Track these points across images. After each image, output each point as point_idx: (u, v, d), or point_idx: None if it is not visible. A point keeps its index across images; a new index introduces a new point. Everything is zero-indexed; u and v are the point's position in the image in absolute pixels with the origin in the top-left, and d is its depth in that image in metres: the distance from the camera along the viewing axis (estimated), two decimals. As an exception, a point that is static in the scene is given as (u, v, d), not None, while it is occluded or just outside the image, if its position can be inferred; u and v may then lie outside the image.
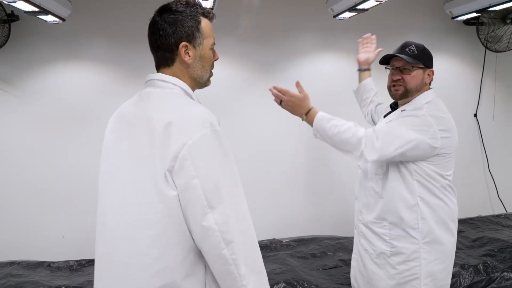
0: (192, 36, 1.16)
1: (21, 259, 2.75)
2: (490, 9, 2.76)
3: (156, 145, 1.06)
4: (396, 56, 1.73)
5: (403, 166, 1.66)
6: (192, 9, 1.16)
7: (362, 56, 2.12)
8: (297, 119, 1.79)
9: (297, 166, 3.27)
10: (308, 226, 3.23)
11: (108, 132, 1.24)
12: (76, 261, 2.75)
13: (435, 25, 3.43)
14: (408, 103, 1.75)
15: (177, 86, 1.17)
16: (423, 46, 1.76)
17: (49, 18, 2.55)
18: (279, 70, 3.26)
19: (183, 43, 1.15)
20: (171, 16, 1.14)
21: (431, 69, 1.76)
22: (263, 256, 2.76)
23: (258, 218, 3.20)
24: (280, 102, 1.77)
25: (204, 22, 1.18)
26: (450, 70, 3.53)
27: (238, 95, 3.19)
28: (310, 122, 1.72)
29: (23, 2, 2.13)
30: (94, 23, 2.96)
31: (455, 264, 2.43)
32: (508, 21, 3.16)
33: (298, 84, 1.77)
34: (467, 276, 2.37)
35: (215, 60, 1.26)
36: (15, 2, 2.06)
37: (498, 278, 2.38)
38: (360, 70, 2.15)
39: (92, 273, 2.55)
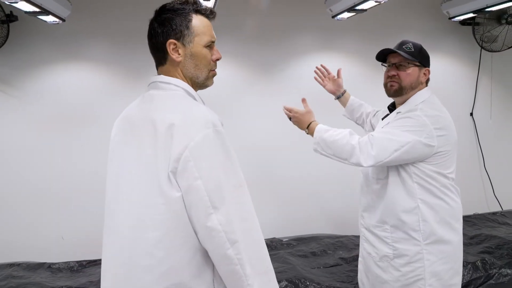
0: (180, 34, 1.14)
1: (21, 261, 2.74)
2: (486, 9, 2.80)
3: (159, 146, 1.06)
4: (393, 52, 1.75)
5: (403, 170, 1.68)
6: (184, 7, 1.15)
7: (329, 87, 2.17)
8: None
9: (297, 165, 3.29)
10: (308, 225, 3.25)
11: (113, 135, 1.25)
12: (77, 262, 2.75)
13: (432, 26, 3.47)
14: (404, 104, 1.76)
15: (179, 87, 1.17)
16: (421, 45, 1.77)
17: (49, 18, 2.55)
18: (278, 70, 3.28)
19: (170, 41, 1.14)
20: (163, 15, 1.15)
21: (427, 68, 1.77)
22: (264, 255, 2.76)
23: (259, 216, 3.22)
24: (290, 119, 1.88)
25: (198, 19, 1.16)
26: (447, 70, 3.58)
27: (238, 95, 3.20)
28: (311, 135, 1.78)
29: (24, 3, 2.13)
30: (93, 23, 2.96)
31: (454, 261, 2.47)
32: (503, 21, 3.21)
33: (303, 100, 1.88)
34: (466, 273, 2.40)
35: (217, 59, 1.24)
36: (16, 2, 2.06)
37: (496, 275, 2.41)
38: (337, 97, 2.19)
39: (94, 274, 2.57)
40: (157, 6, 1.18)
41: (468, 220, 3.18)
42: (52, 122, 2.95)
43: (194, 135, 1.04)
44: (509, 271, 2.43)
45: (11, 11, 2.73)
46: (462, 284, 2.34)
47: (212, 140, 1.06)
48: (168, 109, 1.12)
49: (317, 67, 2.20)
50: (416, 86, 1.75)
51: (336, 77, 2.17)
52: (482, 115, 3.66)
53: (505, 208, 3.58)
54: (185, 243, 1.06)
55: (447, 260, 1.70)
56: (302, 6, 3.22)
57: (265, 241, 3.06)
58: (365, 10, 2.69)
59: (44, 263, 2.72)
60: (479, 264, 2.46)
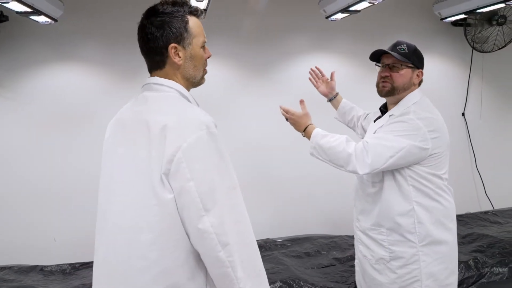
0: (180, 37, 1.14)
1: (12, 264, 2.72)
2: (477, 10, 2.83)
3: (152, 148, 1.06)
4: (386, 53, 1.76)
5: (398, 173, 1.69)
6: (179, 9, 1.15)
7: (322, 89, 2.19)
8: (288, 121, 1.86)
9: (292, 165, 3.30)
10: (302, 225, 3.26)
11: (107, 137, 1.24)
12: (70, 264, 2.72)
13: (424, 26, 3.50)
14: (396, 106, 1.77)
15: (173, 89, 1.17)
16: (415, 46, 1.78)
17: (41, 18, 2.52)
18: (273, 70, 3.28)
19: (172, 45, 1.14)
20: (158, 18, 1.13)
21: (420, 69, 1.77)
22: (258, 256, 2.76)
23: (252, 217, 3.22)
24: (287, 119, 1.87)
25: (192, 20, 1.17)
26: (439, 70, 3.61)
27: (232, 96, 3.20)
28: (308, 138, 1.78)
29: (15, 3, 2.10)
30: (87, 23, 2.93)
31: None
32: (494, 22, 3.24)
33: (301, 102, 1.86)
34: (458, 272, 2.41)
35: (208, 57, 1.25)
36: (7, 2, 2.04)
37: (488, 273, 2.44)
38: (330, 100, 2.21)
39: (87, 277, 2.55)
40: (151, 5, 1.17)
41: (460, 220, 3.20)
42: (46, 123, 2.92)
43: (187, 137, 1.04)
44: (500, 270, 2.45)
45: (1, 11, 2.70)
46: (454, 283, 2.37)
47: (205, 141, 1.06)
48: (161, 110, 1.12)
49: (311, 69, 2.21)
50: (409, 87, 1.76)
51: (329, 79, 2.18)
52: (473, 115, 3.70)
53: (497, 207, 3.62)
54: (179, 245, 1.06)
55: (442, 260, 1.72)
56: (296, 7, 3.22)
57: (259, 242, 3.08)
58: (359, 11, 2.70)
59: (36, 266, 2.69)
60: (472, 263, 2.49)
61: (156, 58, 1.16)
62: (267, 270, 2.51)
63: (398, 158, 1.62)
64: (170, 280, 1.06)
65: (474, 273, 2.44)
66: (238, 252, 1.05)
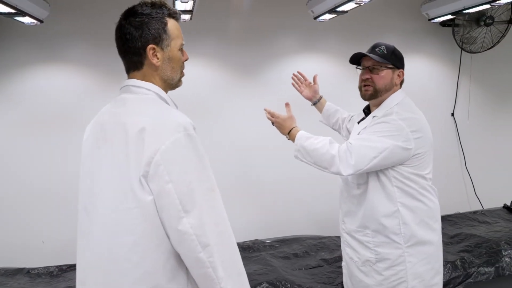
0: (159, 38, 1.15)
1: (-1, 266, 2.70)
2: (464, 11, 2.84)
3: (130, 151, 1.07)
4: (366, 55, 1.76)
5: (383, 174, 1.69)
6: (158, 11, 1.16)
7: (306, 93, 2.20)
8: None
9: (280, 166, 3.29)
10: (291, 226, 3.25)
11: (85, 139, 1.25)
12: (57, 266, 2.70)
13: (413, 27, 3.51)
14: (379, 107, 1.78)
15: (151, 91, 1.18)
16: (394, 47, 1.78)
17: (26, 19, 2.50)
18: (261, 71, 3.27)
19: (150, 46, 1.14)
20: (137, 19, 1.14)
21: (401, 69, 1.78)
22: (245, 257, 2.77)
23: (241, 219, 3.23)
24: (273, 123, 1.89)
25: (171, 23, 1.18)
26: (428, 71, 3.62)
27: (220, 97, 3.19)
28: (292, 141, 1.78)
29: (-2, 4, 2.09)
30: (73, 24, 2.92)
31: (434, 261, 2.49)
32: (482, 23, 3.26)
33: (287, 105, 1.88)
34: (445, 272, 2.42)
35: (185, 60, 1.26)
36: (-10, 4, 2.02)
37: (475, 273, 2.44)
38: (314, 104, 2.22)
39: (73, 279, 2.53)
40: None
41: (449, 220, 3.22)
42: (33, 125, 2.91)
43: (165, 139, 1.05)
44: (487, 270, 2.46)
45: (-14, 13, 2.68)
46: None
47: (183, 144, 1.07)
48: (139, 113, 1.12)
49: (294, 74, 2.22)
50: (390, 88, 1.77)
51: (312, 83, 2.19)
52: (463, 115, 3.72)
53: (486, 207, 3.64)
54: (159, 246, 1.07)
55: (428, 260, 1.73)
56: (285, 7, 3.22)
57: (248, 243, 3.07)
58: (346, 11, 2.70)
59: (23, 269, 2.67)
60: (458, 263, 2.49)
61: (134, 58, 1.17)
62: (254, 271, 2.52)
63: (381, 159, 1.62)
64: (152, 282, 1.07)
65: (461, 273, 2.44)
66: (218, 253, 1.06)
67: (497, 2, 2.61)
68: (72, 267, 2.70)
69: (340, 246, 1.98)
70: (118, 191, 1.08)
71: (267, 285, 2.27)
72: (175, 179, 1.03)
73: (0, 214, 2.90)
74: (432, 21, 3.25)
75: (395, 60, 1.75)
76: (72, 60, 2.97)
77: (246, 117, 3.23)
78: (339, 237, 2.81)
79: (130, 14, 1.15)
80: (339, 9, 2.59)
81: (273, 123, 1.88)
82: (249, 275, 2.37)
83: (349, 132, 2.06)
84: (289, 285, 2.27)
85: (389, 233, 1.70)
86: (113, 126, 1.14)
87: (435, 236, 1.75)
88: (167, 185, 1.03)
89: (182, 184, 1.04)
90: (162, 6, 1.18)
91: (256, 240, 2.92)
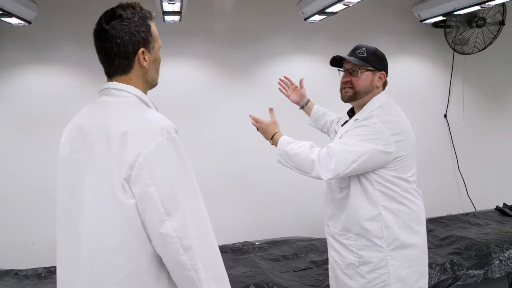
0: (147, 42, 1.18)
1: (-13, 268, 2.69)
2: (455, 13, 2.83)
3: (112, 154, 1.07)
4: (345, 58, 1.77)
5: (364, 178, 1.68)
6: (141, 15, 1.17)
7: (294, 97, 2.20)
8: None
9: (272, 167, 3.26)
10: (282, 228, 3.24)
11: (63, 142, 1.24)
12: (45, 268, 2.69)
13: (405, 28, 3.50)
14: (361, 110, 1.77)
15: (132, 94, 1.18)
16: (375, 48, 1.77)
17: (14, 20, 2.50)
18: (252, 72, 3.26)
19: (142, 49, 1.16)
20: (124, 23, 1.14)
21: (382, 72, 1.76)
22: (234, 259, 2.75)
23: (232, 220, 3.22)
24: (257, 129, 1.92)
25: (152, 25, 1.20)
26: (420, 72, 3.61)
27: (211, 98, 3.18)
28: (275, 146, 1.79)
29: (-17, 5, 2.08)
30: (63, 25, 2.91)
31: (423, 263, 2.48)
32: (474, 24, 3.24)
33: (270, 110, 1.91)
34: (434, 275, 2.41)
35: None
36: (-26, 4, 2.01)
37: (464, 276, 2.43)
38: (301, 107, 2.23)
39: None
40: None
41: (440, 222, 3.21)
42: (21, 126, 2.90)
43: (148, 142, 1.05)
44: (475, 272, 2.45)
45: (-26, 13, 2.67)
46: (430, 286, 2.37)
47: (166, 147, 1.07)
48: (121, 116, 1.12)
49: (280, 79, 2.23)
50: (371, 90, 1.75)
51: (298, 87, 2.19)
52: (455, 117, 3.70)
53: (479, 208, 3.62)
54: (141, 250, 1.07)
55: (411, 264, 1.72)
56: (274, 9, 3.21)
57: (237, 245, 3.05)
58: (336, 13, 2.69)
59: (11, 270, 2.66)
60: (448, 265, 2.48)
61: (123, 62, 1.16)
62: (242, 273, 2.51)
63: (361, 163, 1.62)
64: (133, 285, 1.08)
65: (450, 275, 2.43)
66: (200, 255, 1.07)
67: (487, 3, 2.60)
68: (60, 269, 2.69)
69: (330, 248, 1.97)
70: (100, 194, 1.08)
71: (254, 287, 2.26)
72: (158, 182, 1.04)
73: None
74: (423, 22, 3.24)
75: (375, 62, 1.74)
76: (62, 61, 2.96)
77: (237, 118, 3.21)
78: (329, 239, 2.82)
79: (112, 18, 1.15)
80: (328, 10, 2.58)
81: (257, 129, 1.90)
82: (236, 277, 2.38)
83: (335, 133, 2.05)
84: (275, 287, 2.26)
85: (371, 237, 1.69)
86: (94, 129, 1.14)
87: (419, 239, 1.74)
88: (150, 188, 1.03)
89: (165, 187, 1.05)
90: (143, 10, 1.20)
91: (246, 242, 2.91)
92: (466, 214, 3.32)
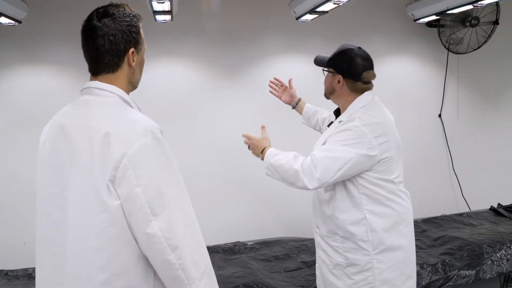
0: (137, 42, 1.19)
1: (-22, 268, 2.68)
2: (448, 12, 2.82)
3: (95, 155, 1.06)
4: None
5: (350, 182, 1.67)
6: (132, 16, 1.18)
7: (285, 98, 2.23)
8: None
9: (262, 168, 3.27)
10: (275, 228, 3.23)
11: (42, 141, 1.22)
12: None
13: (399, 28, 3.48)
14: (345, 111, 1.76)
15: (114, 94, 1.17)
16: (342, 51, 1.75)
17: (3, 20, 2.49)
18: (244, 72, 3.25)
19: (132, 49, 1.17)
20: (117, 22, 1.15)
21: (340, 75, 1.73)
22: (225, 259, 2.73)
23: (224, 220, 3.21)
24: (249, 147, 1.89)
25: (140, 28, 1.22)
26: (415, 72, 3.60)
27: (203, 97, 3.17)
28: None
29: (-30, 4, 2.08)
30: (53, 25, 2.90)
31: (414, 264, 2.46)
32: (467, 24, 3.23)
33: (262, 127, 1.91)
34: (425, 276, 2.40)
35: None
36: (-39, 4, 2.01)
37: (455, 276, 2.42)
38: (293, 107, 2.25)
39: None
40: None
41: (434, 222, 3.19)
42: (12, 126, 2.89)
43: (133, 143, 1.05)
44: (467, 273, 2.43)
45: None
46: (421, 286, 2.36)
47: (151, 147, 1.07)
48: (103, 116, 1.11)
49: (270, 81, 2.25)
50: (333, 92, 1.78)
51: (288, 87, 2.21)
52: (450, 116, 3.69)
53: (473, 209, 3.60)
54: (127, 250, 1.07)
55: (398, 266, 1.70)
56: (267, 8, 3.20)
57: (229, 245, 3.03)
58: (327, 12, 2.68)
59: (1, 271, 2.66)
60: (439, 266, 2.46)
61: (113, 60, 1.16)
62: (232, 273, 2.49)
63: (347, 169, 1.61)
64: (118, 285, 1.07)
65: (441, 276, 2.41)
66: (188, 254, 1.07)
67: (479, 2, 2.59)
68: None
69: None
70: (84, 195, 1.07)
71: (243, 288, 2.25)
72: (143, 183, 1.04)
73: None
74: (417, 21, 3.22)
75: (333, 64, 1.75)
76: (53, 60, 2.95)
77: (229, 118, 3.21)
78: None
79: (105, 15, 1.15)
80: (319, 9, 2.57)
81: (249, 147, 1.89)
82: (226, 277, 2.37)
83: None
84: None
85: (357, 240, 1.68)
86: (76, 129, 1.13)
87: (405, 240, 1.73)
88: (135, 189, 1.03)
89: (150, 188, 1.04)
90: (132, 11, 1.21)
91: (238, 242, 2.90)
92: (460, 214, 3.31)
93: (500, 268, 2.48)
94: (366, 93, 1.75)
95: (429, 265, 2.46)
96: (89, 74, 3.18)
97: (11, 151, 2.91)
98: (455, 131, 3.68)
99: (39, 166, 1.21)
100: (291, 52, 3.33)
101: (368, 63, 1.73)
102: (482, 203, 3.55)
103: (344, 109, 1.76)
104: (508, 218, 3.22)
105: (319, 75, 3.44)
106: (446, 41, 3.34)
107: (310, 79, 3.20)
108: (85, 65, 2.88)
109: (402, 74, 3.55)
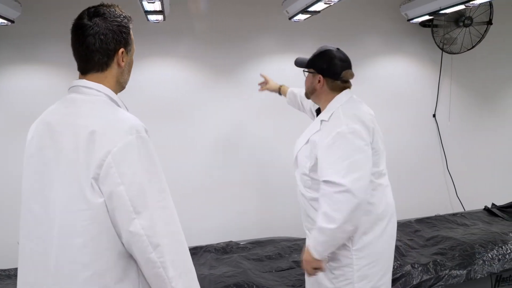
0: (127, 43, 1.21)
1: (-30, 268, 2.68)
2: (441, 12, 2.82)
3: (80, 152, 1.07)
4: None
5: None
6: (123, 17, 1.21)
7: (270, 87, 2.58)
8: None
9: (257, 166, 3.28)
10: (269, 228, 3.23)
11: (29, 138, 1.23)
12: (28, 267, 2.69)
13: (393, 27, 3.48)
14: (324, 110, 1.78)
15: (101, 92, 1.18)
16: (321, 51, 1.79)
17: (-4, 20, 2.50)
18: (238, 72, 3.25)
19: (122, 49, 1.19)
20: (108, 22, 1.17)
21: (320, 75, 1.77)
22: (217, 259, 2.73)
23: (217, 220, 3.21)
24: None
25: (131, 30, 1.24)
26: (409, 72, 3.59)
27: (196, 98, 3.16)
28: (320, 257, 1.70)
29: (-39, 4, 2.08)
30: (47, 24, 2.90)
31: (405, 263, 2.47)
32: (461, 24, 3.23)
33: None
34: (416, 275, 2.40)
35: None
36: (-49, 3, 2.01)
37: (446, 276, 2.41)
38: (279, 93, 2.54)
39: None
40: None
41: (428, 222, 3.19)
42: (6, 126, 2.89)
43: (117, 142, 1.06)
44: (458, 273, 2.43)
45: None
46: (411, 286, 2.36)
47: (135, 146, 1.08)
48: (90, 115, 1.13)
49: (259, 83, 2.62)
50: (313, 92, 1.81)
51: (265, 83, 2.59)
52: (444, 116, 3.68)
53: (468, 208, 3.60)
54: (110, 247, 1.08)
55: (376, 263, 1.73)
56: (261, 8, 3.20)
57: (221, 245, 3.02)
58: (319, 11, 2.68)
59: (-6, 270, 2.66)
60: (431, 265, 2.46)
61: (102, 59, 1.17)
62: (223, 273, 2.49)
63: (369, 168, 1.63)
64: (100, 282, 1.08)
65: (432, 276, 2.41)
66: (169, 253, 1.09)
67: (471, 2, 2.59)
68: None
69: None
70: (68, 193, 1.09)
71: (234, 287, 2.25)
72: (126, 181, 1.05)
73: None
74: (411, 21, 3.22)
75: (313, 65, 1.80)
76: (47, 60, 2.95)
77: (223, 118, 3.21)
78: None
79: (96, 15, 1.17)
80: (310, 9, 2.57)
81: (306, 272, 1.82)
82: (218, 277, 2.37)
83: (312, 113, 2.11)
84: (255, 287, 2.25)
85: None
86: (62, 127, 1.14)
87: (384, 235, 1.75)
88: (118, 187, 1.05)
89: (134, 186, 1.06)
90: (123, 12, 1.23)
91: (231, 241, 2.90)
92: (454, 215, 3.30)
93: (492, 268, 2.48)
94: (345, 91, 1.79)
95: (421, 265, 2.46)
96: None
97: (7, 150, 2.91)
98: (450, 131, 3.68)
99: (25, 162, 1.22)
100: (286, 52, 3.32)
101: (346, 63, 1.78)
102: (476, 203, 3.55)
103: (324, 108, 1.80)
104: (502, 218, 3.21)
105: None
106: (440, 41, 3.34)
107: (303, 78, 3.21)
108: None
109: (396, 74, 3.55)
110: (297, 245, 2.85)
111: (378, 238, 1.71)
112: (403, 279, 2.38)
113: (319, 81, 1.77)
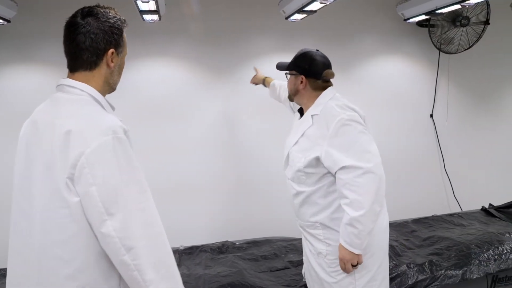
0: (118, 45, 1.22)
1: (-33, 267, 2.68)
2: (437, 11, 2.81)
3: (56, 152, 1.08)
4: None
5: (329, 173, 1.72)
6: (116, 19, 1.22)
7: (256, 79, 2.74)
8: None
9: (255, 166, 3.27)
10: (265, 228, 3.23)
11: (20, 137, 1.26)
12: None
13: (390, 27, 3.48)
14: (313, 105, 1.80)
15: (85, 92, 1.19)
16: (302, 54, 1.84)
17: (-9, 19, 2.50)
18: (235, 72, 3.25)
19: (112, 50, 1.20)
20: (100, 22, 1.18)
21: (302, 75, 1.82)
22: (213, 258, 2.72)
23: (213, 220, 3.20)
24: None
25: (124, 32, 1.25)
26: (406, 72, 3.58)
27: (193, 98, 3.16)
28: (358, 250, 1.69)
29: (-45, 3, 2.08)
30: (43, 24, 2.90)
31: (401, 263, 2.46)
32: (458, 23, 3.22)
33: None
34: (411, 275, 2.39)
35: None
36: None
37: (442, 276, 2.41)
38: (264, 85, 2.66)
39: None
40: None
41: (424, 222, 3.18)
42: (7, 127, 2.89)
43: (91, 142, 1.06)
44: (454, 273, 2.42)
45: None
46: (407, 286, 2.36)
47: (110, 147, 1.08)
48: (68, 114, 1.14)
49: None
50: (296, 92, 1.85)
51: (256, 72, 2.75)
52: (442, 116, 3.68)
53: (465, 209, 3.60)
54: (89, 246, 1.09)
55: (373, 252, 1.75)
56: (260, 7, 3.20)
57: (217, 244, 3.02)
58: (315, 11, 2.68)
59: (-9, 269, 2.66)
60: (426, 265, 2.45)
61: (91, 58, 1.18)
62: (218, 273, 2.49)
63: (376, 147, 1.69)
64: (81, 280, 1.09)
65: (428, 276, 2.40)
66: (146, 255, 1.08)
67: (467, 2, 2.58)
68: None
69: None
70: (47, 190, 1.10)
71: (228, 287, 2.24)
72: (98, 182, 1.05)
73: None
74: (407, 21, 3.22)
75: (293, 67, 1.85)
76: (43, 60, 2.95)
77: (220, 118, 3.21)
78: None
79: (89, 14, 1.18)
80: (306, 8, 2.57)
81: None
82: (212, 276, 2.36)
83: (290, 107, 2.19)
84: (250, 287, 2.24)
85: (334, 226, 1.74)
86: (44, 125, 1.16)
87: (381, 227, 1.77)
88: (90, 187, 1.05)
89: (106, 187, 1.06)
90: (117, 14, 1.24)
91: (226, 241, 2.89)
92: (451, 215, 3.29)
93: (487, 268, 2.47)
94: (329, 88, 1.82)
95: (416, 265, 2.45)
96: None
97: (9, 151, 2.91)
98: (447, 131, 3.67)
99: (16, 158, 1.25)
100: (283, 52, 3.31)
101: (327, 63, 1.82)
102: (474, 203, 3.55)
103: (307, 108, 1.82)
104: (499, 218, 3.21)
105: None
106: (437, 41, 3.33)
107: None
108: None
109: (393, 74, 3.54)
110: (293, 245, 2.85)
111: (373, 229, 1.71)
112: (399, 279, 2.37)
113: (301, 82, 1.81)
